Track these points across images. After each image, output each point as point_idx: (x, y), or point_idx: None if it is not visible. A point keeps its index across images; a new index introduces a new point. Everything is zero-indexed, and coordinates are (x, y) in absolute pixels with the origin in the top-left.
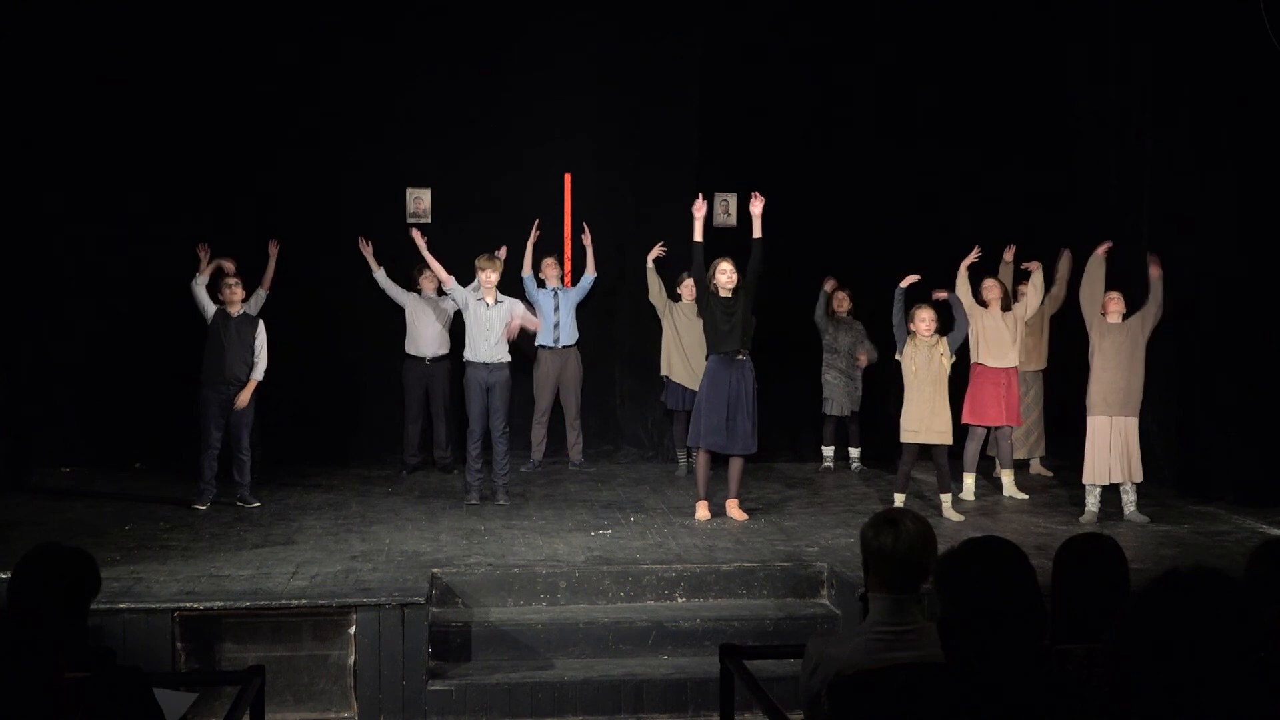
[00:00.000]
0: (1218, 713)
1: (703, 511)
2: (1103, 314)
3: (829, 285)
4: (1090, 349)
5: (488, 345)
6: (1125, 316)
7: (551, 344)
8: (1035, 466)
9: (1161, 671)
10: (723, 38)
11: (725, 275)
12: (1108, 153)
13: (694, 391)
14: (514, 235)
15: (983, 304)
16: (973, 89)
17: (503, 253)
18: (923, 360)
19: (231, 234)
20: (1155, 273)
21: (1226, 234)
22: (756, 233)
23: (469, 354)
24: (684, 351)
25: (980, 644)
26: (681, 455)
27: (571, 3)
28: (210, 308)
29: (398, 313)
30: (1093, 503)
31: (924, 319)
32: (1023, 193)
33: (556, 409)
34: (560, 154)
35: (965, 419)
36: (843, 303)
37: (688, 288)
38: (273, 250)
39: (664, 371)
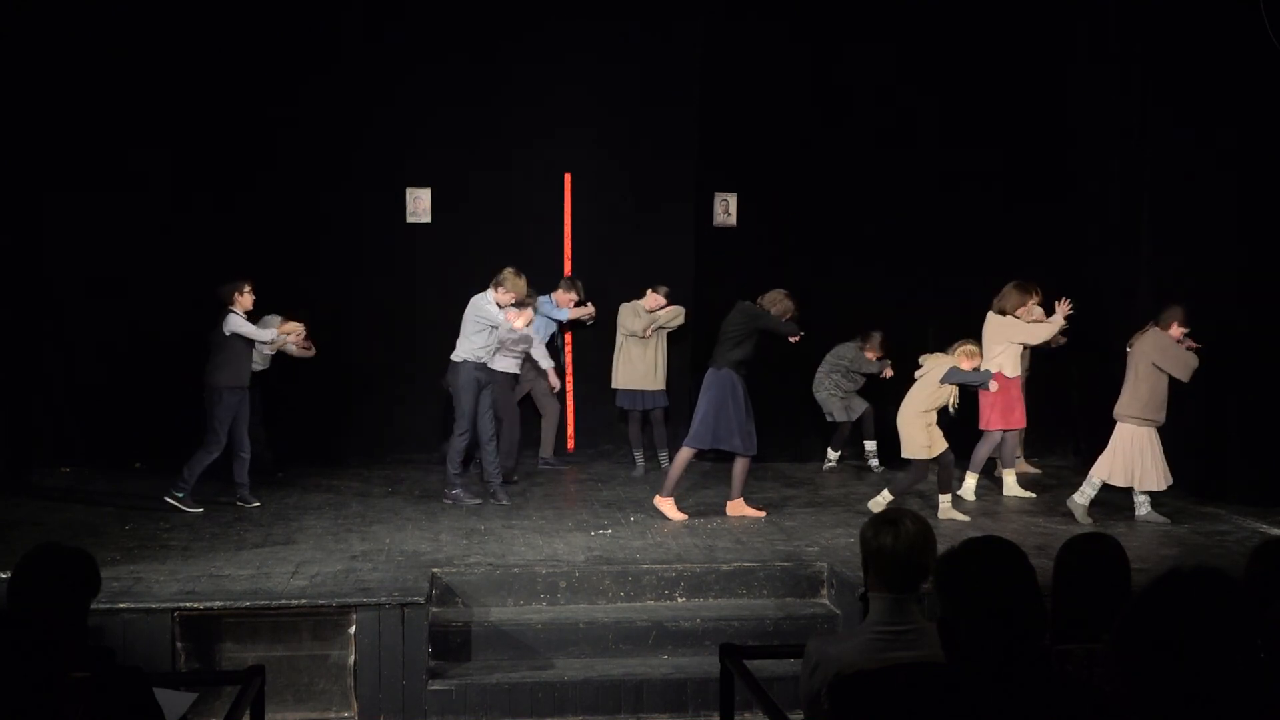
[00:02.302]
0: (1219, 711)
1: (678, 511)
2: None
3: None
4: (1145, 364)
5: (493, 349)
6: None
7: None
8: (1021, 465)
9: (1163, 670)
10: (723, 37)
11: None
12: (1108, 154)
13: (641, 393)
14: (514, 235)
15: (1002, 312)
16: (973, 89)
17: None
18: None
19: (231, 234)
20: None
21: (1227, 236)
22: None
23: (479, 355)
24: (629, 353)
25: (980, 644)
26: (639, 455)
27: (571, 2)
28: (251, 329)
29: (398, 313)
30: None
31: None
32: (1023, 193)
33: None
34: (560, 154)
35: (993, 425)
36: (874, 354)
37: (651, 297)
38: (305, 348)
39: (617, 384)
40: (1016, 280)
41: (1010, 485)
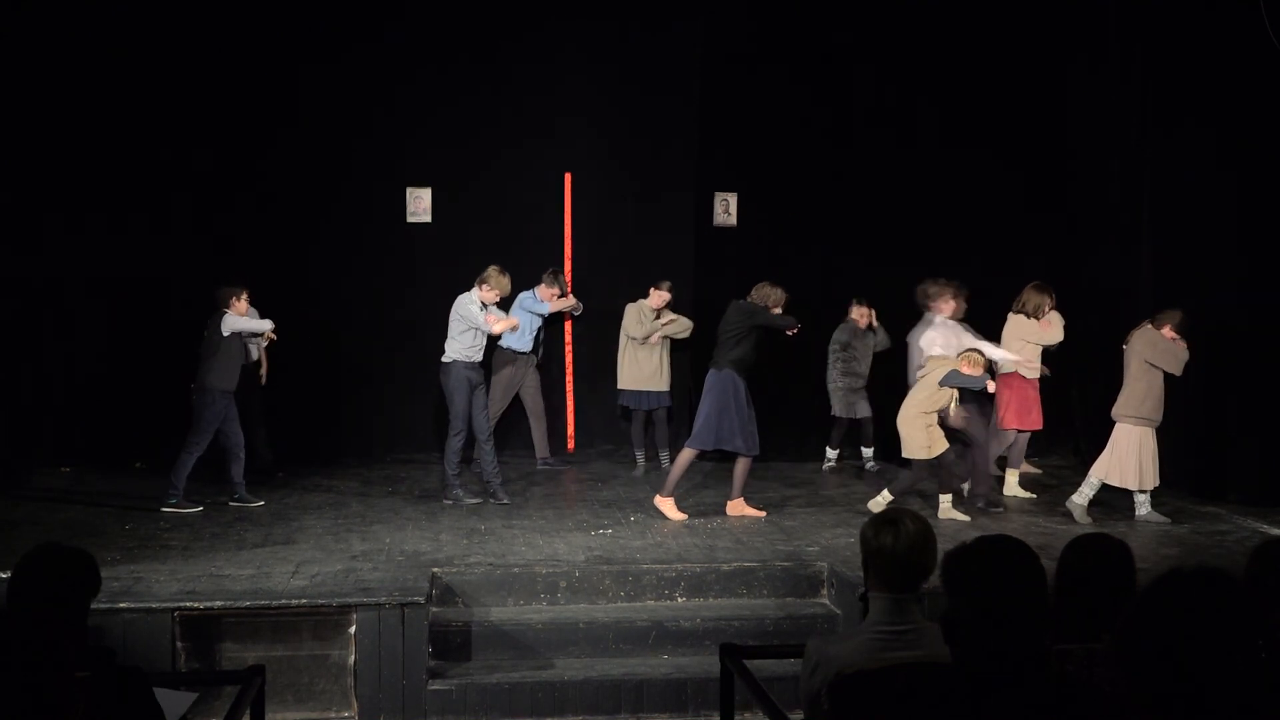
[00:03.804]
0: (1221, 711)
1: (678, 511)
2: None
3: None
4: (1138, 363)
5: (482, 348)
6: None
7: (524, 350)
8: (1024, 465)
9: (1164, 670)
10: (723, 37)
11: None
12: (1108, 154)
13: (645, 393)
14: (514, 235)
15: (1024, 314)
16: (974, 89)
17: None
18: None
19: (232, 234)
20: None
21: (1228, 237)
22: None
23: (468, 355)
24: (635, 354)
25: (983, 642)
26: (640, 455)
27: (572, 2)
28: (248, 322)
29: (399, 313)
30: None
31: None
32: (1024, 193)
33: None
34: (561, 154)
35: (1007, 424)
36: (864, 318)
37: (655, 295)
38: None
39: (623, 385)
40: (1035, 281)
41: (1011, 485)
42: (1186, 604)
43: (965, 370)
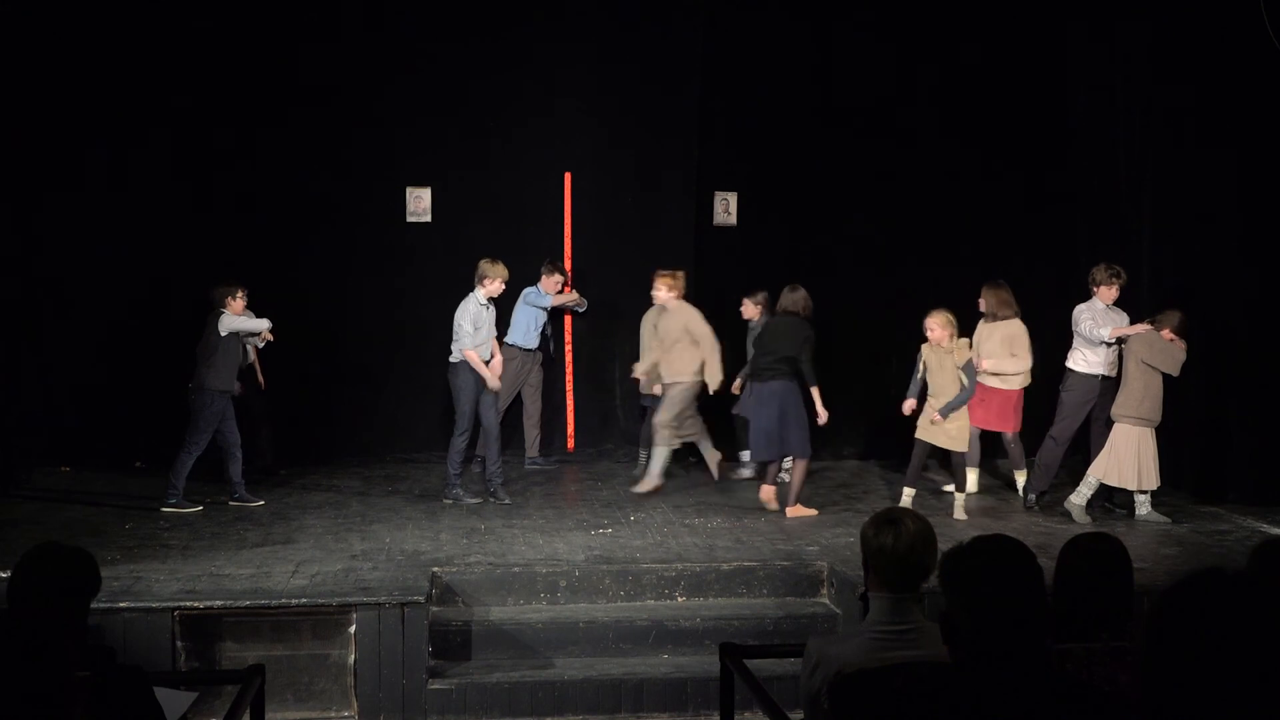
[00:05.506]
0: (1252, 712)
1: (807, 509)
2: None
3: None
4: (1135, 363)
5: (488, 346)
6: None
7: (530, 346)
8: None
9: (1187, 672)
10: (724, 36)
11: None
12: (1109, 153)
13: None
14: (514, 235)
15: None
16: (974, 87)
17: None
18: (935, 364)
19: (231, 232)
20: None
21: (1228, 237)
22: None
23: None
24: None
25: (983, 642)
26: (644, 454)
27: (572, 1)
28: (245, 322)
29: (399, 312)
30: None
31: (932, 327)
32: (1024, 192)
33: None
34: (560, 154)
35: (975, 422)
36: (746, 308)
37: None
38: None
39: (652, 389)
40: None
41: (971, 482)
42: (1213, 607)
43: (953, 349)
